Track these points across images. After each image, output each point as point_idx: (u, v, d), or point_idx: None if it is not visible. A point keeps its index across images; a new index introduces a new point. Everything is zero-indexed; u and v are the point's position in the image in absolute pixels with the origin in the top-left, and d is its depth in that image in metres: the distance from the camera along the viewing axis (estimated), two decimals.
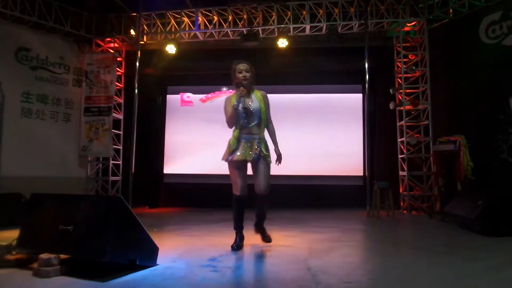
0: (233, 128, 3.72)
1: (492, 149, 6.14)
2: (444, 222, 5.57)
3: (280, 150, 3.75)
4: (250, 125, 3.64)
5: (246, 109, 3.59)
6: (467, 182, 5.76)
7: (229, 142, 3.70)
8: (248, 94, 3.66)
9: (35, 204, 3.13)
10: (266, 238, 3.83)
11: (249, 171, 3.78)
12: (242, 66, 3.69)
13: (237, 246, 3.63)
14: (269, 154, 3.69)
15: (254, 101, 3.67)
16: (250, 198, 3.76)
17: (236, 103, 3.55)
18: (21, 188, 5.71)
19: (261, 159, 3.62)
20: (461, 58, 6.81)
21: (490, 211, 4.34)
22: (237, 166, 3.63)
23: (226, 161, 3.68)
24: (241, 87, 3.58)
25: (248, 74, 3.65)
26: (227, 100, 3.71)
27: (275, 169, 3.79)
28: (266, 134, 3.80)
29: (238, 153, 3.58)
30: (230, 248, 3.63)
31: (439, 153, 6.32)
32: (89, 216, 2.76)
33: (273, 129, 3.81)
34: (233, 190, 3.69)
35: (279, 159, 3.73)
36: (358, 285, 2.46)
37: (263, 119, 3.68)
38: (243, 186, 3.65)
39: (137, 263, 2.77)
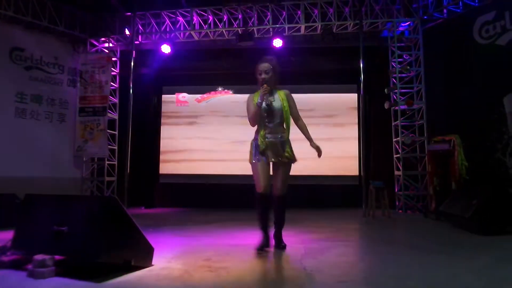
0: (256, 128, 3.70)
1: (486, 148, 6.18)
2: (439, 221, 5.59)
3: (316, 144, 3.69)
4: (272, 124, 3.61)
5: (268, 107, 3.58)
6: (461, 181, 5.80)
7: (255, 143, 3.65)
8: (271, 93, 3.63)
9: (29, 205, 3.11)
10: (280, 246, 3.62)
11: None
12: (262, 67, 3.64)
13: (261, 247, 3.51)
14: (293, 154, 3.66)
15: (276, 100, 3.64)
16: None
17: (259, 100, 3.53)
18: (15, 189, 5.65)
19: (285, 161, 3.60)
20: (455, 58, 6.85)
21: (484, 210, 4.36)
22: (264, 166, 3.58)
23: (251, 162, 3.64)
24: (265, 85, 3.54)
25: (267, 76, 3.60)
26: (249, 98, 3.70)
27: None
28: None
29: (264, 156, 3.57)
30: (226, 248, 3.65)
31: (434, 153, 6.35)
32: (84, 217, 2.75)
33: (304, 124, 3.77)
34: (256, 188, 3.60)
35: (318, 151, 3.67)
36: (352, 284, 2.47)
37: (286, 118, 3.65)
38: (266, 184, 3.56)
39: (132, 263, 2.75)
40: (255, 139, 3.66)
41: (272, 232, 3.66)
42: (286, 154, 3.60)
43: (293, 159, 3.65)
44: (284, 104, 3.64)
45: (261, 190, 3.56)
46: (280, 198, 3.64)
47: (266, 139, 3.57)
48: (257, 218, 3.64)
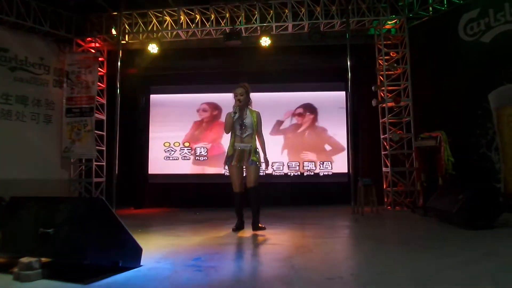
0: (230, 137, 4.74)
1: (471, 144, 6.27)
2: (426, 216, 5.66)
3: (267, 159, 4.80)
4: (243, 136, 4.66)
5: (242, 122, 4.65)
6: (448, 177, 5.87)
7: (228, 149, 4.74)
8: (243, 110, 4.68)
9: (15, 207, 3.08)
10: (256, 228, 4.63)
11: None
12: (237, 91, 4.70)
13: (236, 228, 4.69)
14: (259, 159, 4.68)
15: (248, 117, 4.69)
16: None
17: (232, 112, 4.63)
18: (2, 191, 5.58)
19: (252, 163, 4.61)
20: (441, 55, 6.93)
21: (470, 205, 4.42)
22: (235, 169, 4.65)
23: (226, 165, 4.80)
24: (238, 102, 4.66)
25: (242, 97, 4.65)
26: (228, 113, 4.73)
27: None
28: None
29: (235, 160, 4.61)
30: (215, 248, 3.67)
31: (421, 149, 6.43)
32: (70, 218, 2.73)
33: (263, 140, 4.83)
34: (233, 188, 4.70)
35: (266, 165, 4.81)
36: (340, 281, 2.49)
37: (255, 131, 4.70)
38: (240, 184, 4.67)
39: (120, 265, 2.74)
40: (228, 157, 4.71)
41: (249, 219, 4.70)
42: (253, 159, 4.61)
43: (258, 163, 4.66)
44: (254, 120, 4.70)
45: (236, 190, 4.69)
46: (253, 189, 4.62)
47: (235, 147, 4.66)
48: (234, 209, 4.79)
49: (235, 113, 4.62)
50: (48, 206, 2.92)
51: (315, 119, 8.58)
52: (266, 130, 5.51)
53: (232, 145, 4.67)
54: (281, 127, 8.49)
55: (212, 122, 8.74)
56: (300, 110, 8.58)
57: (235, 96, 4.68)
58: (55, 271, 2.62)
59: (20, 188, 6.43)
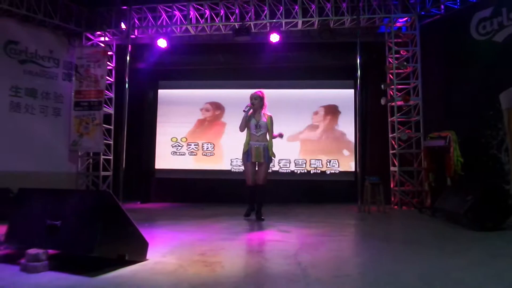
0: (246, 135, 5.38)
1: (481, 145, 6.19)
2: (434, 217, 5.61)
3: (272, 152, 5.39)
4: (258, 134, 5.31)
5: (257, 122, 5.32)
6: (457, 178, 5.81)
7: (243, 146, 5.37)
8: (258, 112, 5.37)
9: (23, 199, 3.09)
10: (260, 218, 5.22)
11: None
12: (253, 95, 5.40)
13: (246, 214, 5.46)
14: (272, 153, 5.34)
15: (262, 118, 5.37)
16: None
17: (245, 109, 5.33)
18: (10, 183, 5.64)
19: (268, 160, 5.33)
20: (452, 54, 6.84)
21: (479, 206, 4.38)
22: (251, 165, 5.31)
23: (243, 161, 5.42)
24: (251, 104, 5.38)
25: (255, 101, 5.36)
26: (244, 115, 5.35)
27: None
28: None
29: (253, 158, 5.27)
30: (221, 243, 3.66)
31: (430, 149, 6.36)
32: (78, 211, 2.73)
33: (271, 140, 5.44)
34: (247, 181, 5.38)
35: (281, 135, 5.57)
36: (347, 279, 2.47)
37: (269, 131, 5.37)
38: (252, 179, 5.32)
39: (126, 258, 2.74)
40: (245, 152, 5.33)
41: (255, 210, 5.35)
42: (266, 156, 5.29)
43: (272, 158, 5.37)
44: (268, 123, 5.38)
45: (249, 183, 5.36)
46: (261, 186, 5.34)
47: (251, 145, 5.29)
48: (248, 198, 5.51)
49: (245, 111, 5.31)
50: (56, 199, 2.93)
51: (323, 117, 8.55)
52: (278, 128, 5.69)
53: (247, 143, 5.31)
54: (288, 124, 8.44)
55: (214, 121, 8.75)
56: (308, 108, 8.55)
57: (250, 99, 5.39)
58: (62, 263, 2.63)
59: (27, 181, 6.45)
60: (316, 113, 8.56)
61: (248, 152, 5.28)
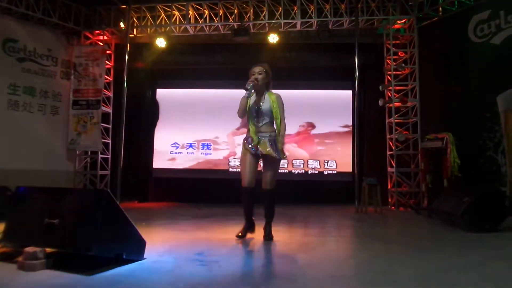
0: (247, 128, 3.92)
1: (478, 147, 6.22)
2: (431, 218, 5.62)
3: (282, 146, 3.80)
4: (260, 124, 3.80)
5: (258, 108, 3.80)
6: (453, 179, 5.83)
7: (245, 140, 3.89)
8: (261, 93, 3.85)
9: (21, 197, 3.09)
10: (267, 237, 3.76)
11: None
12: (256, 68, 3.87)
13: (241, 234, 3.82)
14: (281, 150, 3.78)
15: (265, 101, 3.82)
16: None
17: (247, 86, 3.71)
18: (7, 181, 5.60)
19: (277, 153, 3.73)
20: (450, 56, 6.87)
21: (475, 208, 4.39)
22: (249, 156, 3.78)
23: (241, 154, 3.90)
24: (254, 78, 3.78)
25: (260, 76, 3.80)
26: (243, 97, 3.83)
27: None
28: None
29: (254, 148, 3.75)
30: (218, 243, 3.67)
31: (427, 150, 6.39)
32: (75, 210, 2.74)
33: (281, 127, 3.82)
34: (242, 181, 3.79)
35: (282, 147, 3.83)
36: (343, 280, 2.48)
37: (276, 118, 3.81)
38: (250, 178, 3.76)
39: (124, 257, 2.75)
40: (246, 138, 3.87)
41: (263, 222, 3.88)
42: (279, 148, 3.74)
43: (281, 156, 3.77)
44: (274, 106, 3.79)
45: (245, 184, 3.74)
46: (267, 192, 3.77)
47: (255, 137, 3.77)
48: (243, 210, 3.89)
49: (248, 89, 3.72)
50: (54, 197, 2.93)
51: (320, 118, 8.56)
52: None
53: (254, 132, 3.81)
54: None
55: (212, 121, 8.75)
56: (306, 108, 8.54)
57: (252, 74, 3.85)
58: (59, 262, 2.63)
59: (25, 179, 6.45)
60: (314, 113, 8.57)
61: (249, 140, 3.82)
